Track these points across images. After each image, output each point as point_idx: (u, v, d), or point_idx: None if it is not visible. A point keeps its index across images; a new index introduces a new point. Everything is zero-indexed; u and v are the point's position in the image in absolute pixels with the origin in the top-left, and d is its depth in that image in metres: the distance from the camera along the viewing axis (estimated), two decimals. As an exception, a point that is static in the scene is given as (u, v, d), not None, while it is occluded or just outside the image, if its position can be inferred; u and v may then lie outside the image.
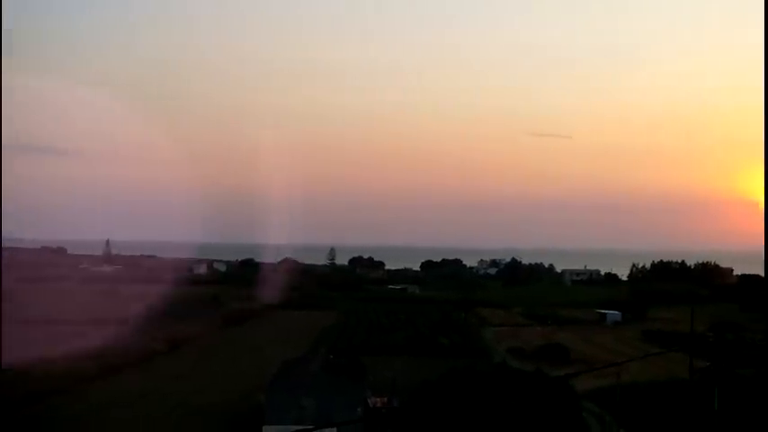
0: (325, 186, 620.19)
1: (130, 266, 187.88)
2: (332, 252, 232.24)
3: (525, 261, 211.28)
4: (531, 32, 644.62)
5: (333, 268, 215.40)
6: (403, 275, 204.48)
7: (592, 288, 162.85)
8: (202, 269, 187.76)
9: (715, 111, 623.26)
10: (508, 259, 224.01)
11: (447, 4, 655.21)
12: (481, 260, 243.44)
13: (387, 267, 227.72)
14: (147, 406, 54.07)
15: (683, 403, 48.70)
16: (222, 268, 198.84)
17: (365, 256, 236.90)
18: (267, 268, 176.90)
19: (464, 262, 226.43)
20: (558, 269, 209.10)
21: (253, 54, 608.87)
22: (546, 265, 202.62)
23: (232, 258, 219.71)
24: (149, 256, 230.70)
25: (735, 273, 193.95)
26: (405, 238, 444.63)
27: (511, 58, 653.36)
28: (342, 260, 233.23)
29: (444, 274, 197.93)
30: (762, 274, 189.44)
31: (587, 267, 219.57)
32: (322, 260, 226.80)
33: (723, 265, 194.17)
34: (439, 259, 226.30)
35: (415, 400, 48.17)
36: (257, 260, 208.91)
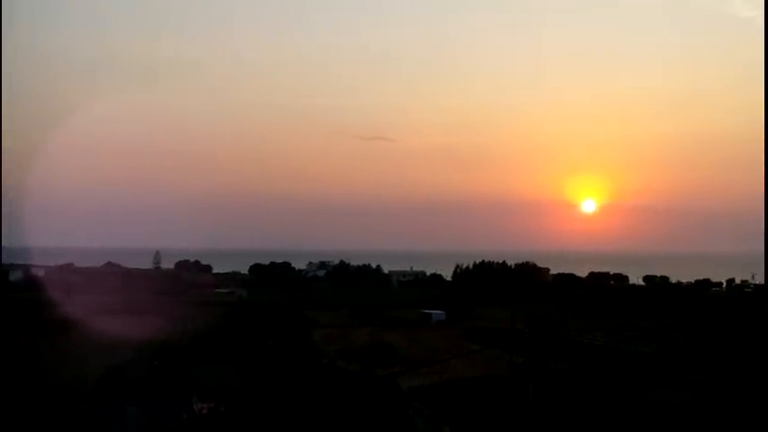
0: (149, 188, 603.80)
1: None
2: (157, 256, 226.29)
3: (353, 263, 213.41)
4: (357, 35, 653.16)
5: (158, 272, 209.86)
6: (231, 279, 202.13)
7: (418, 289, 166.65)
8: (18, 275, 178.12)
9: (540, 115, 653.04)
10: (337, 261, 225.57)
11: (269, 4, 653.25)
12: (310, 262, 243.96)
13: (215, 271, 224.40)
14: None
15: (502, 398, 50.77)
16: (41, 273, 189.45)
17: (192, 260, 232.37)
18: (89, 272, 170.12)
19: (293, 264, 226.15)
20: (386, 270, 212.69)
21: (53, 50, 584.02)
22: (373, 267, 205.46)
23: (50, 263, 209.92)
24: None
25: (551, 272, 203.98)
26: (232, 242, 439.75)
27: (337, 60, 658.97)
28: (168, 264, 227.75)
29: (273, 277, 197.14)
30: (573, 272, 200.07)
31: (413, 269, 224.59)
32: (147, 264, 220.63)
33: (541, 264, 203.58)
34: (267, 262, 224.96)
35: (242, 405, 47.81)
36: (77, 264, 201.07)
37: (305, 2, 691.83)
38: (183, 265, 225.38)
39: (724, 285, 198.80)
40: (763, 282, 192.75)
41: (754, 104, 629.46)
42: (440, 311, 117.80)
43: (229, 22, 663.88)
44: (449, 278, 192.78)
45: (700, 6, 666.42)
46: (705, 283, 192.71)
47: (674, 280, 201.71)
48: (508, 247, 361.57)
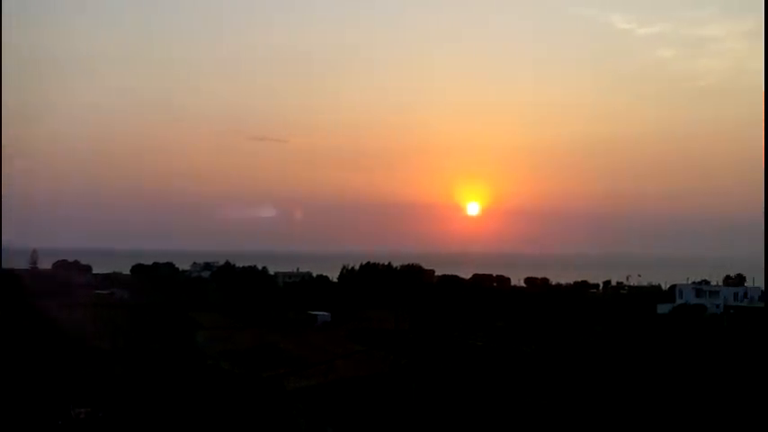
0: (28, 185, 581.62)
1: None
2: (34, 255, 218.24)
3: (239, 264, 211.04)
4: (247, 35, 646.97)
5: (34, 272, 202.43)
6: (112, 280, 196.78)
7: (304, 290, 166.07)
8: None
9: (429, 117, 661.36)
10: (222, 262, 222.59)
11: (159, 2, 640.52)
12: (194, 263, 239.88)
13: (95, 271, 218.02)
14: None
15: (385, 398, 51.32)
16: None
17: (70, 260, 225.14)
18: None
19: (177, 265, 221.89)
20: (272, 271, 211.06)
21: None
22: (259, 268, 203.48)
23: None
24: None
25: (436, 273, 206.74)
26: (114, 241, 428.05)
27: (227, 61, 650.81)
28: (46, 264, 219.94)
29: (156, 278, 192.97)
30: (457, 274, 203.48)
31: (299, 270, 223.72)
32: (23, 264, 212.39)
33: (426, 266, 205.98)
34: (150, 262, 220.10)
35: (121, 409, 46.82)
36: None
37: (194, 1, 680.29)
38: (61, 265, 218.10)
39: (601, 287, 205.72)
40: (640, 283, 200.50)
41: (627, 112, 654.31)
42: (325, 313, 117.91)
43: (121, 20, 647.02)
44: (335, 279, 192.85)
45: (579, 17, 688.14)
46: (583, 285, 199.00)
47: (553, 282, 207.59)
48: (395, 249, 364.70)
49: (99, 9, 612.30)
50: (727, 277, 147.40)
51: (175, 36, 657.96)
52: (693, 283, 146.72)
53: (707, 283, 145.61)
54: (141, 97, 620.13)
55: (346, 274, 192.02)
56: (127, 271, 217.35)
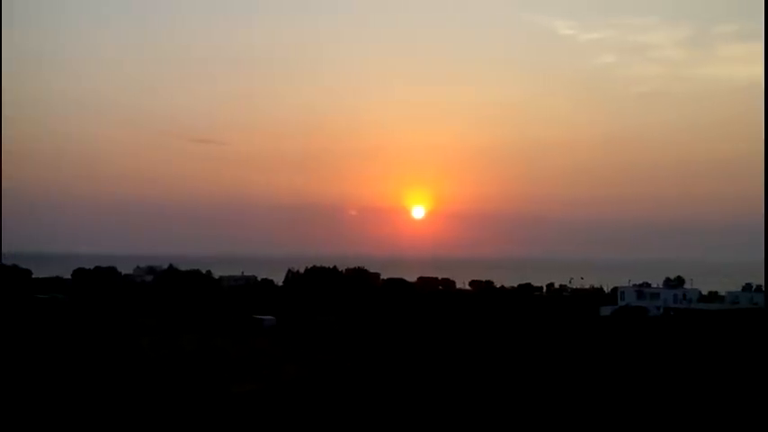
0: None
1: None
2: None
3: (183, 267, 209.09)
4: (188, 35, 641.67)
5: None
6: (53, 284, 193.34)
7: (249, 293, 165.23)
8: None
9: (372, 121, 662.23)
10: (166, 266, 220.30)
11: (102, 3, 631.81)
12: (137, 267, 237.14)
13: (34, 276, 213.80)
14: None
15: (329, 401, 51.29)
16: None
17: (8, 264, 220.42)
18: None
19: (119, 269, 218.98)
20: (216, 275, 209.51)
21: None
22: (203, 271, 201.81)
23: None
24: None
25: (382, 277, 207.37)
26: (54, 245, 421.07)
27: (167, 61, 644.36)
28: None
29: (98, 283, 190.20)
30: (403, 277, 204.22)
31: (244, 273, 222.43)
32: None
33: (372, 270, 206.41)
34: (92, 266, 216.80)
35: (59, 415, 46.06)
36: None
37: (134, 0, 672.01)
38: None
39: (545, 290, 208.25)
40: (592, 286, 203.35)
41: (570, 116, 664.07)
42: (271, 317, 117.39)
43: (56, 16, 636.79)
44: (280, 283, 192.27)
45: (523, 23, 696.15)
46: (527, 288, 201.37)
47: (498, 284, 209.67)
48: (342, 252, 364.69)
49: (30, 10, 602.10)
50: (668, 279, 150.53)
51: (115, 36, 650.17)
52: (635, 285, 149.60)
53: (648, 285, 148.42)
54: (81, 99, 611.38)
55: (291, 277, 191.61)
56: (68, 275, 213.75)
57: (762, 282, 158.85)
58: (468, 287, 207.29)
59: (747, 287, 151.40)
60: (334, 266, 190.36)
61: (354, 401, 51.41)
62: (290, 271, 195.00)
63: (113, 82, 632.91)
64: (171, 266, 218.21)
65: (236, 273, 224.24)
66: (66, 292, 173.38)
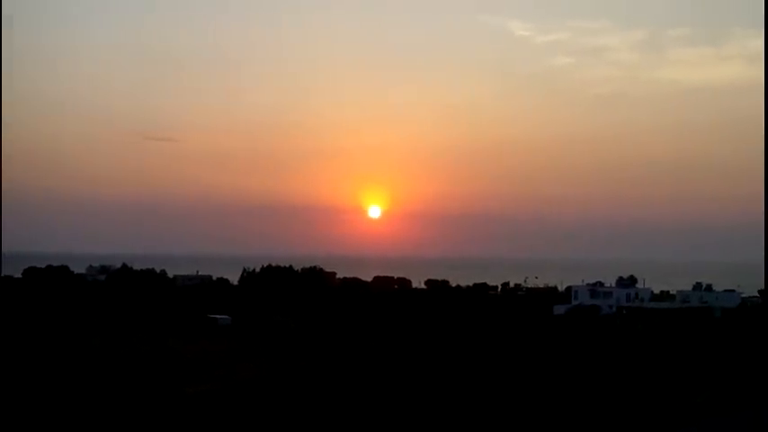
0: None
1: None
2: None
3: (136, 267, 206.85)
4: (140, 33, 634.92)
5: None
6: (2, 284, 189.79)
7: (204, 293, 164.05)
8: None
9: (328, 120, 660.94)
10: (119, 265, 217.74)
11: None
12: (90, 266, 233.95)
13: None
14: None
15: (285, 400, 51.25)
16: None
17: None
18: None
19: (71, 268, 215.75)
20: (170, 275, 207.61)
21: None
22: (158, 271, 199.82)
23: None
24: None
25: (338, 276, 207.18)
26: (4, 243, 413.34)
27: (119, 58, 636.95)
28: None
29: (49, 282, 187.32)
30: (359, 277, 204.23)
31: (199, 272, 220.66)
32: None
33: (327, 269, 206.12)
34: (44, 266, 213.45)
35: (12, 418, 45.48)
36: None
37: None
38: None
39: (500, 289, 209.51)
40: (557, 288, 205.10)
41: (527, 117, 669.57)
42: (225, 316, 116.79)
43: (12, 12, 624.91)
44: (235, 282, 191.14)
45: (481, 23, 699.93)
46: (482, 287, 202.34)
47: (453, 284, 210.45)
48: (296, 252, 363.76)
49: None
50: (620, 279, 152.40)
51: (72, 31, 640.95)
52: (588, 284, 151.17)
53: (601, 284, 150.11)
54: (38, 94, 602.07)
55: (247, 276, 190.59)
56: (18, 274, 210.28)
57: (711, 281, 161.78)
58: (423, 286, 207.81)
59: (697, 286, 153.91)
60: (290, 265, 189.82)
61: (309, 401, 51.43)
62: (245, 270, 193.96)
63: (68, 80, 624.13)
64: (124, 265, 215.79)
65: (191, 272, 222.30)
66: (16, 291, 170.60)
